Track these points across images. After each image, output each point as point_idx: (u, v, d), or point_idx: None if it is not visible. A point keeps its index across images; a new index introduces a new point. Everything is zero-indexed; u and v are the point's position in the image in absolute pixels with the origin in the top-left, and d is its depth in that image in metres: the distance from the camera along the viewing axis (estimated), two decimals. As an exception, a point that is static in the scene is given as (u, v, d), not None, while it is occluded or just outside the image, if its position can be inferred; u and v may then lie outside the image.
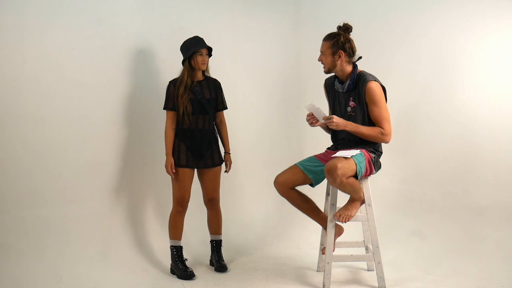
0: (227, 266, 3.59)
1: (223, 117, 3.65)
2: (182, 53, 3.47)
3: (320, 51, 3.23)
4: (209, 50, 3.50)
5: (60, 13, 3.43)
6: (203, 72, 3.55)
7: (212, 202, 3.60)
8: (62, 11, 3.44)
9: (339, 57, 3.16)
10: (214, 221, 3.65)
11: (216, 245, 3.65)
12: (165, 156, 3.46)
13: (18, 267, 3.18)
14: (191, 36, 3.50)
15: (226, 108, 3.63)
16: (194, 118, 3.45)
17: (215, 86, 3.57)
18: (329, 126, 3.10)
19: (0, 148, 3.22)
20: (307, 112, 3.19)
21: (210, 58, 3.56)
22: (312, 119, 3.17)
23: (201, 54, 3.43)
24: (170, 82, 3.50)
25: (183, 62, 3.47)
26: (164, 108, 3.48)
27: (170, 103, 3.45)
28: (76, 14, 3.50)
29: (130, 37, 3.78)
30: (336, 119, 3.07)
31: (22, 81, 3.28)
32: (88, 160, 3.59)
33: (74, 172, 3.52)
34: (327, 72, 3.25)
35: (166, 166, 3.44)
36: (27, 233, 3.31)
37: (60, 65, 3.44)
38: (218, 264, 3.58)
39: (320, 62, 3.25)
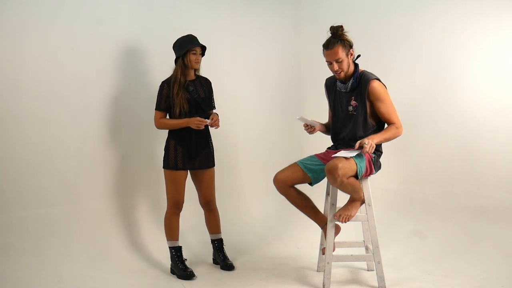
0: (234, 264, 3.60)
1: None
2: (174, 51, 3.43)
3: (333, 61, 3.09)
4: (203, 49, 3.48)
5: (60, 13, 3.44)
6: (195, 71, 3.51)
7: (209, 204, 3.62)
8: (62, 11, 3.45)
9: (351, 55, 3.14)
10: (213, 222, 3.66)
11: (218, 245, 3.67)
12: (186, 123, 3.34)
13: (18, 267, 3.19)
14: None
15: (215, 107, 3.61)
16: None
17: (207, 85, 3.56)
18: (368, 151, 2.96)
19: (0, 148, 3.22)
20: (302, 123, 3.17)
21: (210, 58, 3.55)
22: (309, 128, 3.17)
23: (194, 53, 3.40)
24: (163, 82, 3.45)
25: (176, 61, 3.43)
26: (156, 108, 3.43)
27: (163, 103, 3.41)
28: (76, 14, 3.50)
29: (130, 37, 3.78)
30: (368, 144, 2.93)
31: (22, 81, 3.29)
32: (88, 161, 3.59)
33: (74, 172, 3.53)
34: (343, 77, 3.15)
35: (194, 122, 3.32)
36: (28, 233, 3.31)
37: (60, 65, 3.44)
38: (224, 263, 3.60)
39: (335, 71, 3.12)
